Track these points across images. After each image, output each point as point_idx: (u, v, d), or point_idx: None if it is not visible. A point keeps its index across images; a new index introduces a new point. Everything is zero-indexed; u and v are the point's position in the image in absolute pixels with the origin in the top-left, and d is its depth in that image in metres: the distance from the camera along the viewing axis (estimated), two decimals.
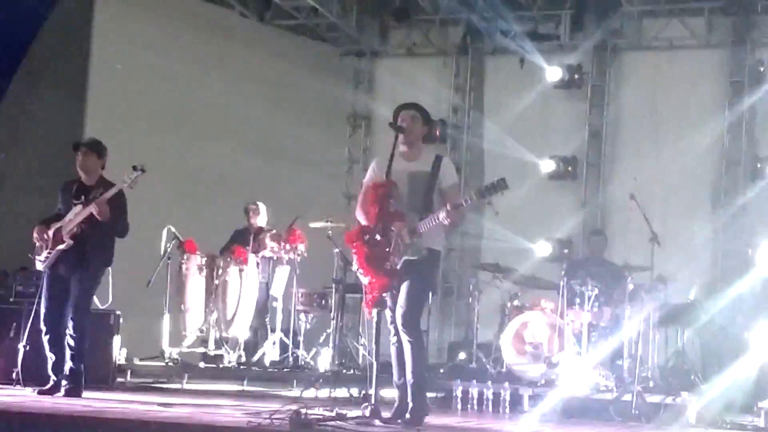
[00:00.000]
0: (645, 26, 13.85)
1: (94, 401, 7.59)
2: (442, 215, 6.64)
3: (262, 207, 11.12)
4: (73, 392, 7.93)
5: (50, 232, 8.10)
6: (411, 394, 6.83)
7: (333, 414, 6.42)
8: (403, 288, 6.77)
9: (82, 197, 8.12)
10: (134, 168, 8.06)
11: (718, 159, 13.21)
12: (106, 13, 12.21)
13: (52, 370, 8.09)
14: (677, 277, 10.45)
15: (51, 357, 8.09)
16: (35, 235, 8.16)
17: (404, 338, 6.81)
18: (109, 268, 8.39)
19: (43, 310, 8.11)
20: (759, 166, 12.84)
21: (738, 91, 13.13)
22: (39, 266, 8.21)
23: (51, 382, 8.07)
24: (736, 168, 13.07)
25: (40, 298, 8.21)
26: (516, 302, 10.50)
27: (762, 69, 12.94)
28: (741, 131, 13.07)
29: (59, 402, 7.48)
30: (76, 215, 8.03)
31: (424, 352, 7.04)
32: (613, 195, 13.33)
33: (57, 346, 8.07)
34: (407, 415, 6.77)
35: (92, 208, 7.90)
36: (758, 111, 13.07)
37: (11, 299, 9.31)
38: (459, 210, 6.70)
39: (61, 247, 8.02)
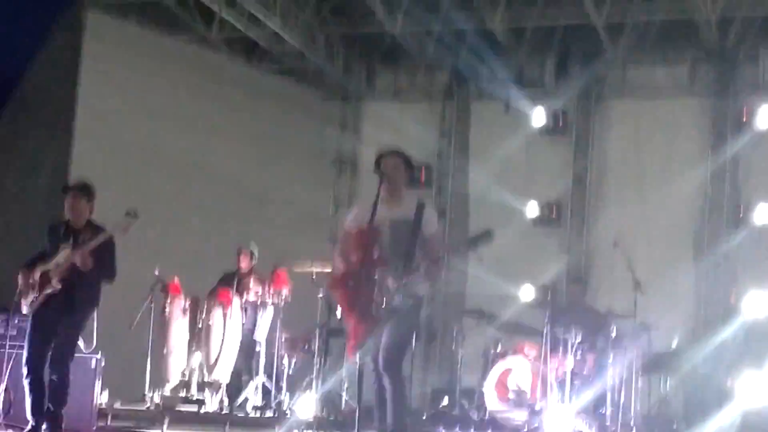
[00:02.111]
0: (629, 73, 14.00)
1: None
2: (423, 271, 6.69)
3: (253, 249, 11.08)
4: None
5: (36, 275, 8.05)
6: None
7: None
8: (386, 333, 6.77)
9: (71, 240, 8.08)
10: (127, 213, 8.00)
11: (701, 206, 13.28)
12: (93, 53, 12.26)
13: (32, 413, 8.02)
14: (660, 325, 10.49)
15: (31, 400, 8.01)
16: (20, 278, 8.11)
17: (386, 383, 6.79)
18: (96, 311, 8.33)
19: (26, 353, 8.06)
20: (741, 214, 12.91)
21: (721, 139, 13.25)
22: (24, 309, 8.14)
23: (30, 426, 8.00)
24: (718, 216, 13.14)
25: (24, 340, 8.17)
26: (499, 348, 10.50)
27: (744, 118, 13.05)
28: (724, 179, 13.17)
29: None
30: (65, 259, 7.98)
31: (406, 397, 7.01)
32: (597, 241, 13.38)
33: (38, 389, 8.00)
34: None
35: (76, 258, 7.87)
36: (741, 159, 13.18)
37: None
38: (439, 262, 6.76)
39: (48, 291, 7.97)
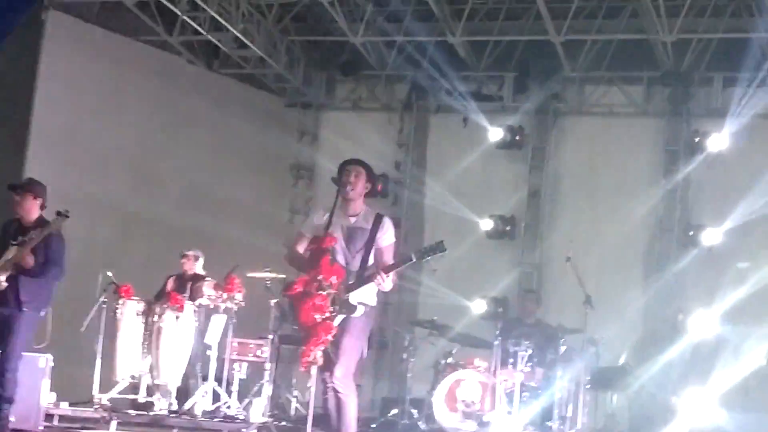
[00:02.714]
0: (586, 92, 14.21)
1: None
2: (376, 281, 6.73)
3: (198, 254, 11.08)
4: None
5: None
6: None
7: None
8: (338, 342, 6.80)
9: (19, 237, 8.07)
10: (58, 213, 8.06)
11: (652, 225, 13.48)
12: (53, 52, 12.20)
13: None
14: (608, 340, 10.63)
15: None
16: None
17: (336, 390, 6.82)
18: (49, 309, 8.29)
19: None
20: (691, 234, 13.11)
21: (674, 160, 13.46)
22: None
23: None
24: (669, 235, 13.34)
25: None
26: (450, 360, 10.57)
27: (697, 139, 13.26)
28: (675, 199, 13.38)
29: None
30: (12, 257, 7.97)
31: (355, 405, 7.04)
32: (549, 255, 13.53)
33: None
34: None
35: (16, 255, 7.88)
36: (692, 180, 13.40)
37: None
38: (391, 273, 6.80)
39: None
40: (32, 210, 8.16)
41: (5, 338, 7.96)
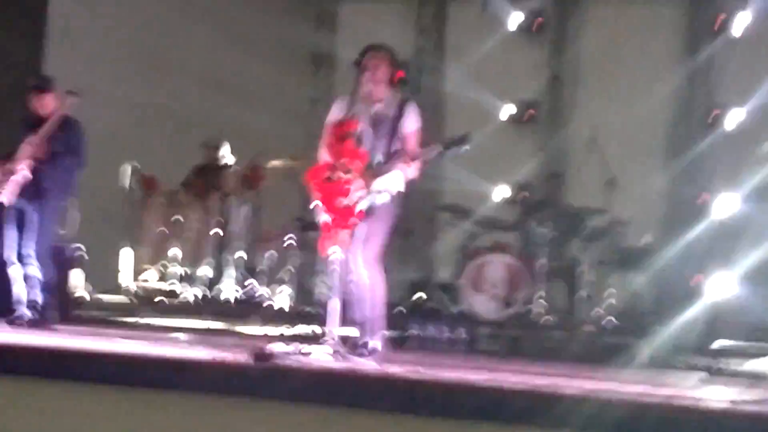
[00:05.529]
0: None
1: (57, 334, 7.62)
2: (401, 167, 6.71)
3: (219, 144, 11.08)
4: (39, 324, 7.97)
5: (10, 166, 8.09)
6: (367, 332, 6.90)
7: (294, 350, 6.44)
8: (363, 228, 6.81)
9: (37, 130, 8.12)
10: (68, 92, 8.13)
11: (675, 107, 13.35)
12: None
13: (17, 301, 8.13)
14: (632, 221, 10.64)
15: (15, 288, 8.11)
16: None
17: (363, 277, 6.86)
18: (75, 200, 8.35)
19: (5, 242, 8.14)
20: (715, 115, 13.00)
21: (696, 41, 13.25)
22: (2, 199, 8.20)
23: (17, 313, 8.10)
24: (691, 117, 13.23)
25: (2, 230, 8.23)
26: (475, 243, 10.61)
27: (719, 23, 13.02)
28: (698, 81, 13.22)
29: (24, 333, 7.52)
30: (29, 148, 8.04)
31: (382, 291, 7.08)
32: (572, 139, 13.45)
33: (19, 279, 8.11)
34: (363, 351, 6.82)
35: (33, 146, 7.93)
36: (715, 61, 13.20)
37: None
38: (417, 159, 6.77)
39: (14, 178, 8.02)
40: (49, 105, 8.18)
41: (31, 229, 8.04)
